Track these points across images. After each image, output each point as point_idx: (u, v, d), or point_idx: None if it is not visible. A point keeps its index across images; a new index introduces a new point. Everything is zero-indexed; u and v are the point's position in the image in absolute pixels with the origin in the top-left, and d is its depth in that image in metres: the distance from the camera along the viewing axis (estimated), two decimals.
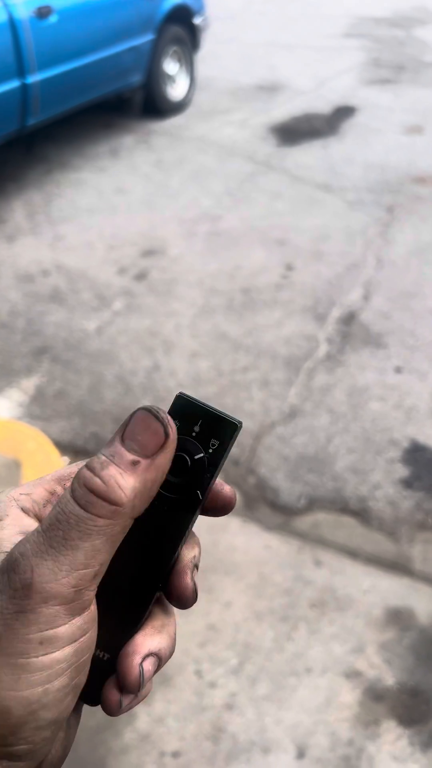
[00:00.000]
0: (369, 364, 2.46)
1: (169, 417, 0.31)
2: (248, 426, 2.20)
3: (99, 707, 0.34)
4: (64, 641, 0.28)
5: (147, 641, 0.33)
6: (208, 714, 1.48)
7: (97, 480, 0.29)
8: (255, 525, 1.89)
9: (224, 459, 0.34)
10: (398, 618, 1.66)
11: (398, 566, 1.79)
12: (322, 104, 4.93)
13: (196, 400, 0.34)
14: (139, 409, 0.31)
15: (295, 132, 4.48)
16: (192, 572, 0.34)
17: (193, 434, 0.34)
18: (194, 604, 0.34)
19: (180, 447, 0.33)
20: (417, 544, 1.85)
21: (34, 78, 3.39)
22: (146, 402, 2.28)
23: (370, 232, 3.30)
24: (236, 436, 0.34)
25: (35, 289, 2.90)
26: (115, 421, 2.22)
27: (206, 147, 4.28)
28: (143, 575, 0.34)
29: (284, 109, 4.86)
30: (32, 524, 0.33)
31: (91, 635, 0.30)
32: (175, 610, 0.36)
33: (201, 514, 0.35)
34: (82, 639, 0.29)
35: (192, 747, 1.42)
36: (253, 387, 2.36)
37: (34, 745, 0.29)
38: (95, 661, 0.33)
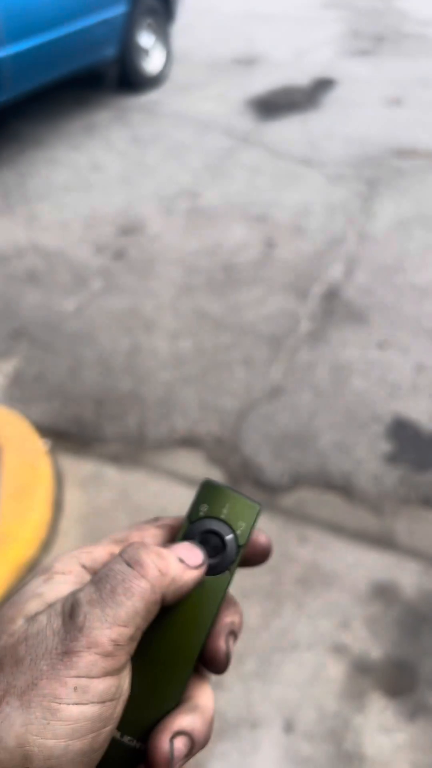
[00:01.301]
0: (351, 341, 2.45)
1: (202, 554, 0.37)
2: (231, 404, 2.19)
3: None
4: (94, 696, 0.30)
5: (178, 719, 0.33)
6: None
7: (148, 552, 0.34)
8: None
9: (250, 537, 0.38)
10: (383, 592, 1.67)
11: (383, 541, 1.80)
12: (301, 77, 4.86)
13: (222, 486, 0.39)
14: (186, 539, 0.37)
15: (274, 106, 4.42)
16: (227, 636, 0.36)
17: (222, 516, 0.38)
18: (226, 671, 0.36)
19: (213, 528, 0.38)
20: (401, 518, 1.85)
21: (4, 52, 3.30)
22: (128, 384, 2.26)
23: (351, 207, 3.27)
24: (259, 516, 0.39)
25: (11, 270, 2.85)
26: (96, 403, 2.20)
27: (183, 122, 4.21)
28: (179, 657, 0.35)
29: (263, 83, 4.79)
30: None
31: (117, 709, 0.31)
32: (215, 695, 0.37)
33: (241, 565, 0.39)
34: (108, 704, 0.30)
35: None
36: (236, 366, 2.34)
37: None
38: (125, 748, 0.33)
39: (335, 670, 1.52)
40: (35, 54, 3.54)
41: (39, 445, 1.99)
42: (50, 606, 0.32)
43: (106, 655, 0.30)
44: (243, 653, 1.54)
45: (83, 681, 0.29)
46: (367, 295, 2.68)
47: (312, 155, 3.77)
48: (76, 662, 0.30)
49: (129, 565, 0.33)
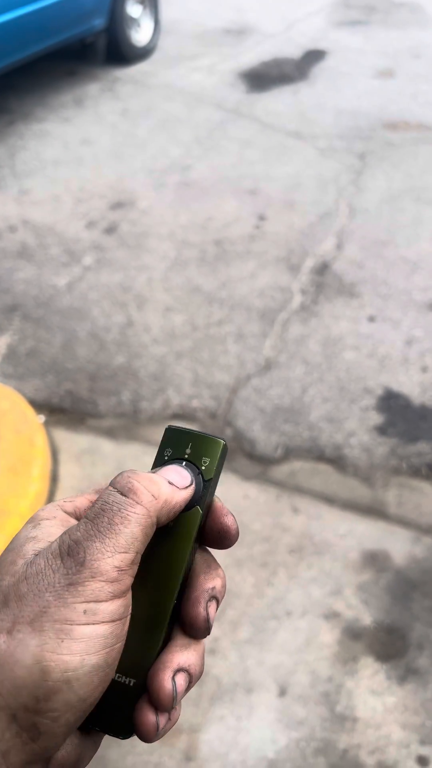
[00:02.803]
0: (343, 314, 2.46)
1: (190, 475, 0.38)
2: (224, 379, 2.20)
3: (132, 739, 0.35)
4: (105, 616, 0.31)
5: (176, 657, 0.35)
6: None
7: (137, 477, 0.35)
8: (233, 475, 1.91)
9: (217, 474, 0.39)
10: (374, 560, 1.71)
11: (374, 510, 1.83)
12: (292, 48, 4.80)
13: (183, 429, 0.40)
14: (172, 461, 0.39)
15: (264, 77, 4.37)
16: (206, 602, 0.36)
17: (186, 455, 0.39)
18: (207, 635, 0.37)
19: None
20: (391, 488, 1.88)
21: None
22: (121, 359, 2.26)
23: (342, 180, 3.26)
24: (224, 451, 0.39)
25: (2, 245, 2.83)
26: (90, 379, 2.21)
27: (174, 94, 4.16)
28: (159, 595, 0.36)
29: (253, 54, 4.72)
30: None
31: (125, 626, 0.33)
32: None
33: (203, 544, 0.39)
34: (117, 622, 0.32)
35: None
36: (229, 340, 2.35)
37: (56, 725, 0.30)
38: (119, 687, 0.34)
39: (328, 637, 1.56)
40: (22, 24, 3.47)
41: (35, 420, 2.00)
42: (45, 549, 0.33)
43: (112, 580, 0.32)
44: (238, 621, 1.58)
45: (92, 605, 0.31)
46: (358, 268, 2.68)
47: (303, 128, 3.74)
48: (81, 591, 0.31)
49: (122, 494, 0.34)
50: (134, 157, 3.49)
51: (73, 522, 0.37)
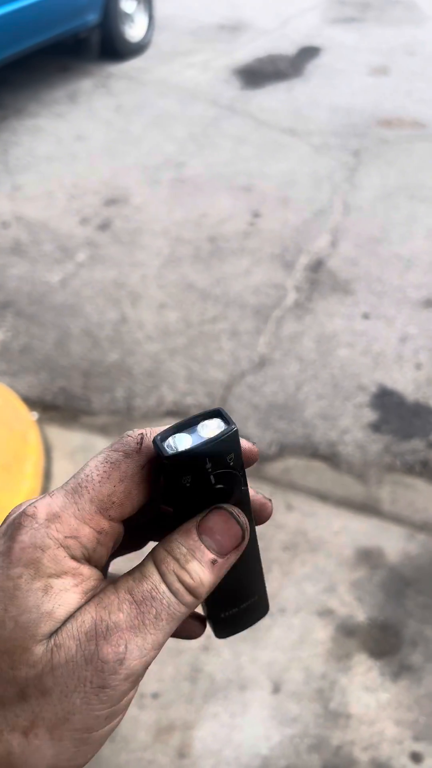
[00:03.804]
0: (337, 311, 2.46)
1: (246, 521, 0.32)
2: (218, 376, 2.20)
3: None
4: (119, 713, 0.29)
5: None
6: (186, 656, 1.51)
7: (186, 575, 0.30)
8: None
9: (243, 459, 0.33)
10: (368, 557, 1.71)
11: (367, 508, 1.83)
12: (286, 44, 4.79)
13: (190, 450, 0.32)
14: (218, 507, 0.32)
15: (259, 74, 4.36)
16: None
17: (208, 468, 0.32)
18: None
19: (219, 479, 0.32)
20: (385, 485, 1.89)
21: None
22: (115, 356, 2.26)
23: (337, 177, 3.26)
24: (237, 438, 0.32)
25: None
26: (84, 376, 2.20)
27: (168, 91, 4.15)
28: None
29: (247, 50, 4.71)
30: (91, 575, 0.30)
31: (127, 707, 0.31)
32: None
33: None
34: (125, 710, 0.30)
35: (171, 688, 1.46)
36: (223, 337, 2.35)
37: None
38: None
39: (322, 634, 1.56)
40: (15, 19, 3.45)
41: (28, 417, 1.99)
42: (71, 626, 0.28)
43: (138, 680, 0.29)
44: None
45: (114, 708, 0.29)
46: (352, 265, 2.68)
47: (297, 124, 3.74)
48: (111, 695, 0.28)
49: (173, 592, 0.30)
50: (128, 153, 3.48)
51: (86, 573, 0.30)
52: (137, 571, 0.31)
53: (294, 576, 1.66)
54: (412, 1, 5.64)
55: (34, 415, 2.05)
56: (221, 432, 0.32)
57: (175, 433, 0.31)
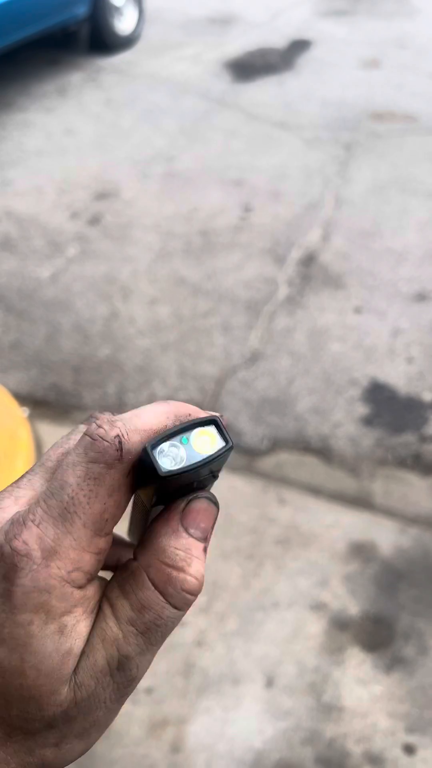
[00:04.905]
0: (329, 306, 2.46)
1: (215, 498, 0.33)
2: (210, 371, 2.19)
3: None
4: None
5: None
6: (179, 651, 1.51)
7: (190, 579, 0.30)
8: None
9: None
10: (361, 551, 1.71)
11: (360, 501, 1.83)
12: (277, 38, 4.77)
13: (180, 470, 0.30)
14: (196, 497, 0.32)
15: (249, 67, 4.34)
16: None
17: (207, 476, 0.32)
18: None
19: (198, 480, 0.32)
20: (377, 479, 1.89)
21: None
22: (106, 351, 2.25)
23: (328, 171, 3.25)
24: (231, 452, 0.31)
25: None
26: (75, 371, 2.19)
27: (158, 84, 4.12)
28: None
29: (238, 43, 4.69)
30: (93, 596, 0.30)
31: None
32: None
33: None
34: None
35: (164, 682, 1.46)
36: (215, 332, 2.34)
37: None
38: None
39: (315, 627, 1.56)
40: (3, 12, 3.42)
41: (18, 413, 1.98)
42: (85, 664, 0.29)
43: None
44: (224, 613, 1.58)
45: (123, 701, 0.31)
46: (344, 259, 2.68)
47: (288, 118, 3.72)
48: (125, 699, 0.31)
49: (176, 608, 0.30)
50: (118, 147, 3.46)
51: (90, 592, 0.29)
52: (133, 594, 0.30)
53: (287, 570, 1.66)
54: None
55: (25, 411, 2.03)
56: (218, 451, 0.30)
57: (164, 441, 0.29)
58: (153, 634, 0.29)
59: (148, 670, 0.32)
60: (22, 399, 2.09)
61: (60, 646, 0.28)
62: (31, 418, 2.03)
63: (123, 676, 0.29)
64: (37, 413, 2.05)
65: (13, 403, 2.01)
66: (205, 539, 0.31)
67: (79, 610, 0.28)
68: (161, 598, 0.29)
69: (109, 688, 0.29)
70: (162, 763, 1.35)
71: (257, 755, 1.36)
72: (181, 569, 0.30)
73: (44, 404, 2.09)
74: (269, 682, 1.47)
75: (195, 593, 0.30)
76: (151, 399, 2.10)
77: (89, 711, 0.29)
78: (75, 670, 0.28)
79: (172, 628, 0.30)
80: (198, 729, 1.40)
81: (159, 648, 0.31)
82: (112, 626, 0.29)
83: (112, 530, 0.30)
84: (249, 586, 1.62)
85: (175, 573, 0.30)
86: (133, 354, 2.24)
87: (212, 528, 0.32)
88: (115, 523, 0.30)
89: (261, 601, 1.60)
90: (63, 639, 0.28)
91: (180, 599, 0.30)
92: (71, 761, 0.30)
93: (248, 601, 1.60)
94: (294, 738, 1.38)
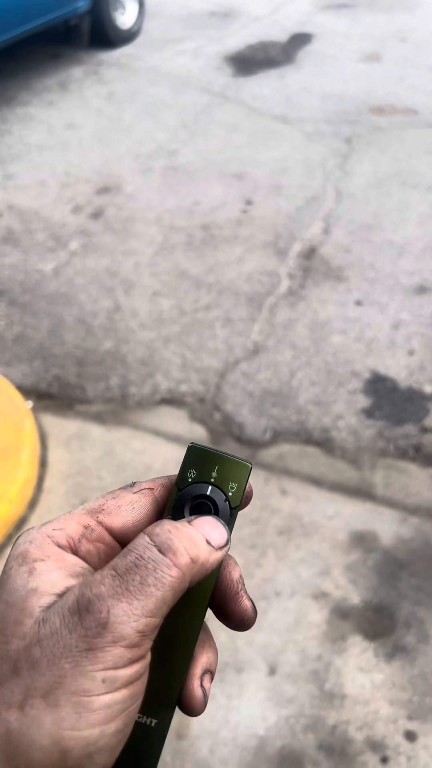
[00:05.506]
0: (330, 298, 2.46)
1: (228, 534, 0.35)
2: (212, 363, 2.20)
3: None
4: (123, 683, 0.29)
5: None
6: None
7: (179, 535, 0.31)
8: None
9: (243, 498, 0.37)
10: (362, 541, 1.73)
11: (361, 492, 1.85)
12: (278, 31, 4.77)
13: (208, 449, 0.37)
14: (206, 515, 0.34)
15: (250, 61, 4.34)
16: (203, 677, 0.35)
17: (212, 479, 0.37)
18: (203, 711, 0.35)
19: (204, 493, 0.36)
20: (379, 470, 1.90)
21: None
22: (109, 344, 2.26)
23: (329, 164, 3.25)
24: (249, 474, 0.37)
25: None
26: (78, 364, 2.20)
27: (159, 78, 4.12)
28: (182, 634, 0.35)
29: (239, 37, 4.69)
30: (76, 563, 0.33)
31: (143, 685, 0.31)
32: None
33: (222, 620, 0.37)
34: (137, 682, 0.30)
35: None
36: (217, 325, 2.35)
37: None
38: (141, 728, 0.33)
39: (317, 616, 1.58)
40: (4, 6, 3.42)
41: (23, 406, 1.99)
42: (57, 604, 0.30)
43: (132, 646, 0.29)
44: None
45: (110, 672, 0.29)
46: (345, 252, 2.68)
47: (289, 112, 3.73)
48: (101, 657, 0.28)
49: (161, 551, 0.30)
50: (120, 141, 3.46)
51: (71, 559, 0.33)
52: (125, 548, 0.31)
53: (289, 560, 1.68)
54: None
55: (29, 404, 2.05)
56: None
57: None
58: (131, 576, 0.30)
59: None
60: (26, 391, 2.10)
61: (27, 583, 0.31)
62: (35, 410, 2.05)
63: (91, 619, 0.29)
64: (41, 405, 2.07)
65: (17, 396, 2.03)
66: (209, 541, 0.33)
67: (52, 561, 0.32)
68: (147, 539, 0.31)
69: (75, 632, 0.28)
70: (166, 749, 1.37)
71: (260, 742, 1.38)
72: (170, 525, 0.32)
73: (48, 396, 2.10)
74: (272, 670, 1.48)
75: (181, 540, 0.31)
76: (154, 392, 2.11)
77: (53, 657, 0.28)
78: (46, 610, 0.30)
79: (155, 582, 0.30)
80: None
81: (141, 603, 0.29)
82: (95, 574, 0.31)
83: (106, 522, 0.35)
84: (252, 576, 1.64)
85: (168, 525, 0.32)
86: (135, 347, 2.25)
87: (218, 546, 0.33)
88: (112, 521, 0.35)
89: (264, 591, 1.61)
90: (31, 578, 0.31)
91: (163, 540, 0.31)
92: (39, 742, 0.28)
93: (251, 590, 1.62)
94: (296, 725, 1.40)
